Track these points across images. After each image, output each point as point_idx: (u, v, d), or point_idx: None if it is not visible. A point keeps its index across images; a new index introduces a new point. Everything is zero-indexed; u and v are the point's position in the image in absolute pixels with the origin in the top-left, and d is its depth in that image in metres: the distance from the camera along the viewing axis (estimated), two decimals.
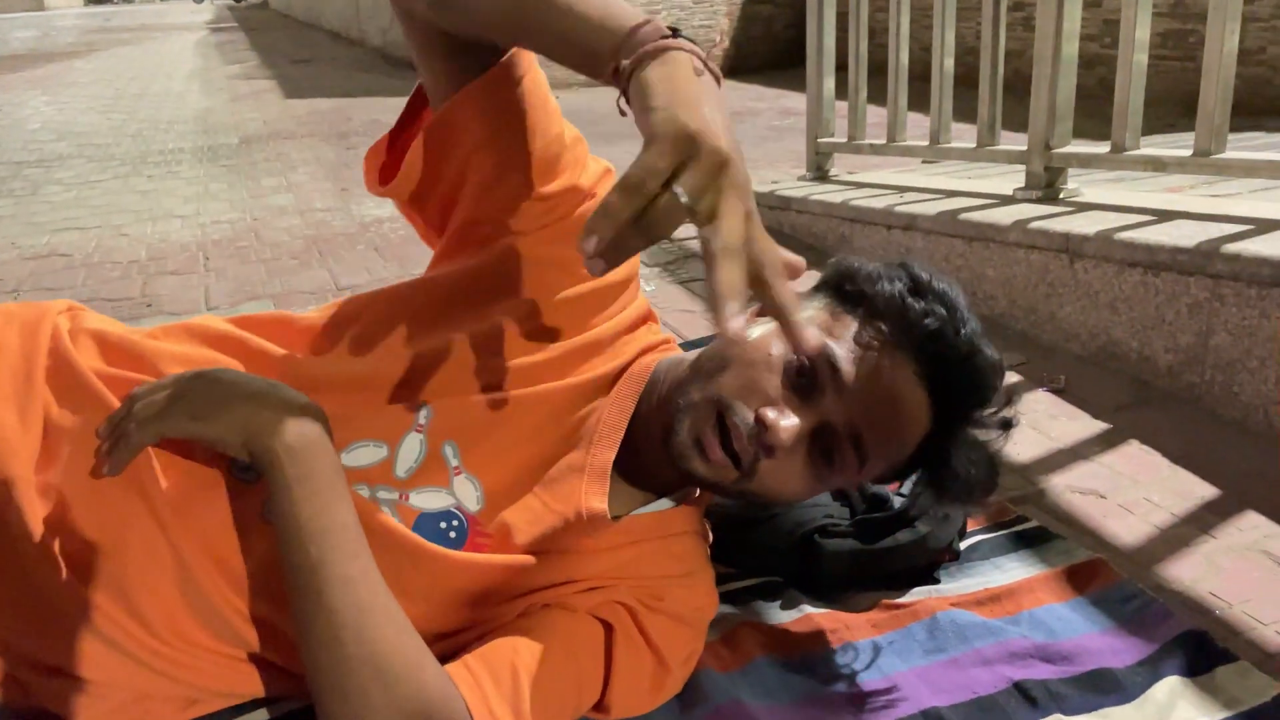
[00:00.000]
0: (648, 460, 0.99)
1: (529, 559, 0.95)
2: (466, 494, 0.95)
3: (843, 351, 0.91)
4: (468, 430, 0.95)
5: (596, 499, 0.95)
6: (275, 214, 3.55)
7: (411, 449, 0.95)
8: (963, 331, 0.92)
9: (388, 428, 0.95)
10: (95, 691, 0.90)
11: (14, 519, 0.88)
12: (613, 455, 0.97)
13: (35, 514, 0.88)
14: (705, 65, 0.75)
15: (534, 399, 0.97)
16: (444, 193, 1.03)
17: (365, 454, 0.94)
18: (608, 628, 0.97)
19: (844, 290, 0.97)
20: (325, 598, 0.81)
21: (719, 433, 0.90)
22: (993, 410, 0.97)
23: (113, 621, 0.88)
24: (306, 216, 3.51)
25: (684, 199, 0.66)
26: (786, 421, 0.89)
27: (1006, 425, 0.98)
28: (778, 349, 0.92)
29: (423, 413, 0.95)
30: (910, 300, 0.93)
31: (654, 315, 1.12)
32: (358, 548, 0.84)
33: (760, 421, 0.88)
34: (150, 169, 4.53)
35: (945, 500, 1.00)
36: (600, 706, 0.98)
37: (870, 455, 0.92)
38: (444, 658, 0.88)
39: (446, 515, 0.94)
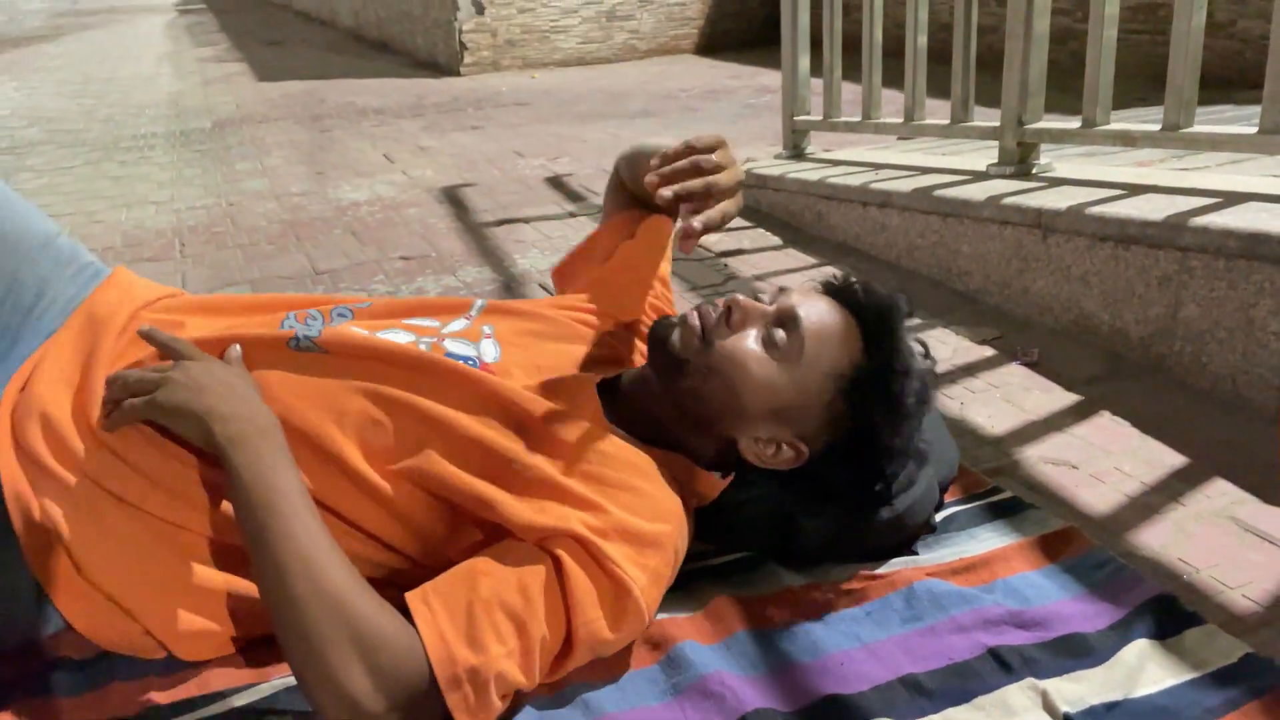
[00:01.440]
0: (646, 418, 1.17)
1: (527, 395, 1.11)
2: (487, 351, 1.18)
3: (790, 290, 1.19)
4: (503, 320, 1.25)
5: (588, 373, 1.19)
6: (251, 199, 3.53)
7: (458, 324, 1.22)
8: (869, 284, 1.20)
9: (448, 310, 1.26)
10: None
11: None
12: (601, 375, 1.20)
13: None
14: None
15: (564, 320, 1.28)
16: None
17: (423, 323, 1.21)
18: (556, 560, 1.00)
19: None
20: (273, 552, 0.94)
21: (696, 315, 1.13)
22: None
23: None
24: (282, 201, 3.49)
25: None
26: (743, 297, 1.14)
27: (926, 355, 1.20)
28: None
29: (477, 305, 1.27)
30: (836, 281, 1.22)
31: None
32: (298, 507, 0.98)
33: (728, 305, 1.13)
34: (122, 154, 4.49)
35: (887, 440, 1.15)
36: (566, 642, 1.01)
37: (807, 343, 1.10)
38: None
39: (467, 359, 1.15)
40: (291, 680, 1.05)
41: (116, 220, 3.28)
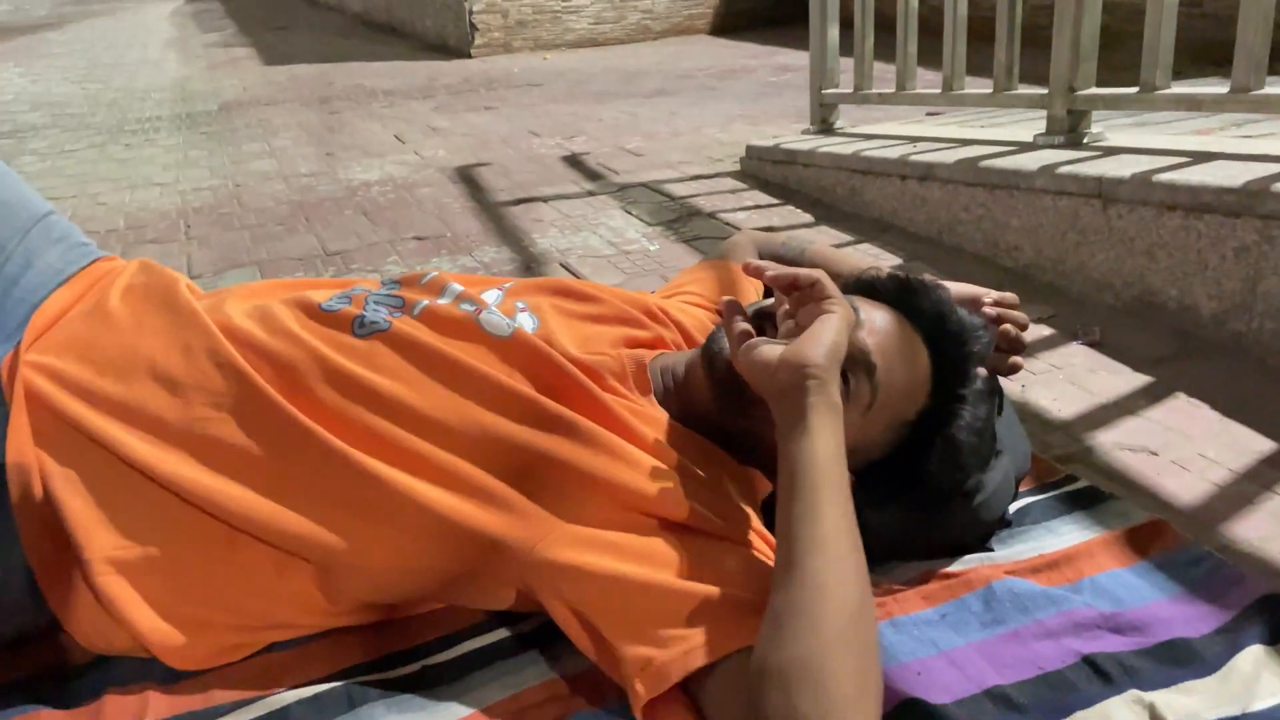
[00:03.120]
0: (689, 407, 1.08)
1: (570, 366, 1.03)
2: (525, 322, 1.12)
3: (865, 307, 1.03)
4: (534, 300, 1.18)
5: (641, 375, 1.10)
6: (258, 180, 3.42)
7: (492, 296, 1.17)
8: (960, 317, 1.06)
9: (482, 286, 1.20)
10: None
11: None
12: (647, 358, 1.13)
13: None
14: None
15: (603, 302, 1.20)
16: None
17: (458, 295, 1.12)
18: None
19: (859, 291, 1.11)
20: (827, 543, 0.84)
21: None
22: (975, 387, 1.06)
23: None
24: (291, 182, 3.38)
25: None
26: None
27: (993, 394, 1.12)
28: None
29: (509, 283, 1.22)
30: (914, 284, 1.08)
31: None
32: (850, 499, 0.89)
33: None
34: (127, 137, 4.38)
35: (937, 480, 1.07)
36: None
37: (880, 393, 0.98)
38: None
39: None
40: (307, 691, 0.95)
41: (120, 202, 3.17)
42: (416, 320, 1.07)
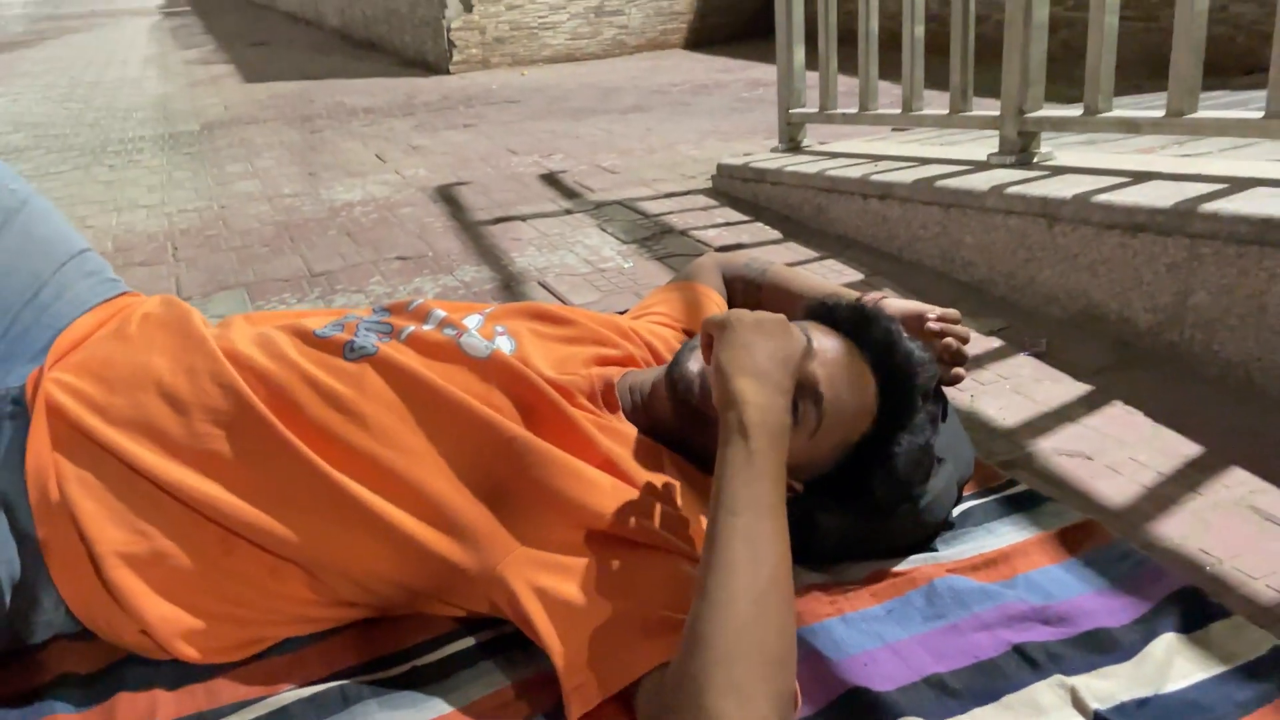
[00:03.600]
0: (656, 421, 1.18)
1: (543, 385, 1.12)
2: (503, 344, 1.20)
3: (818, 335, 1.13)
4: (512, 324, 1.27)
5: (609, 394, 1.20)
6: (243, 200, 3.50)
7: (473, 320, 1.25)
8: (907, 348, 1.15)
9: (465, 311, 1.29)
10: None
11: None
12: (616, 376, 1.22)
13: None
14: None
15: (577, 325, 1.30)
16: None
17: (441, 320, 1.22)
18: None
19: (814, 316, 1.21)
20: (759, 550, 0.91)
21: None
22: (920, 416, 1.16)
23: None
24: (275, 203, 3.45)
25: None
26: None
27: (934, 420, 1.20)
28: None
29: (490, 308, 1.31)
30: (868, 314, 1.18)
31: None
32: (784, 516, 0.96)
33: None
34: (111, 158, 4.44)
35: (879, 497, 1.17)
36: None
37: (826, 420, 1.09)
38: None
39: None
40: (305, 691, 1.04)
41: (107, 225, 3.24)
42: (403, 344, 1.17)
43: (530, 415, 1.11)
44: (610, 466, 1.09)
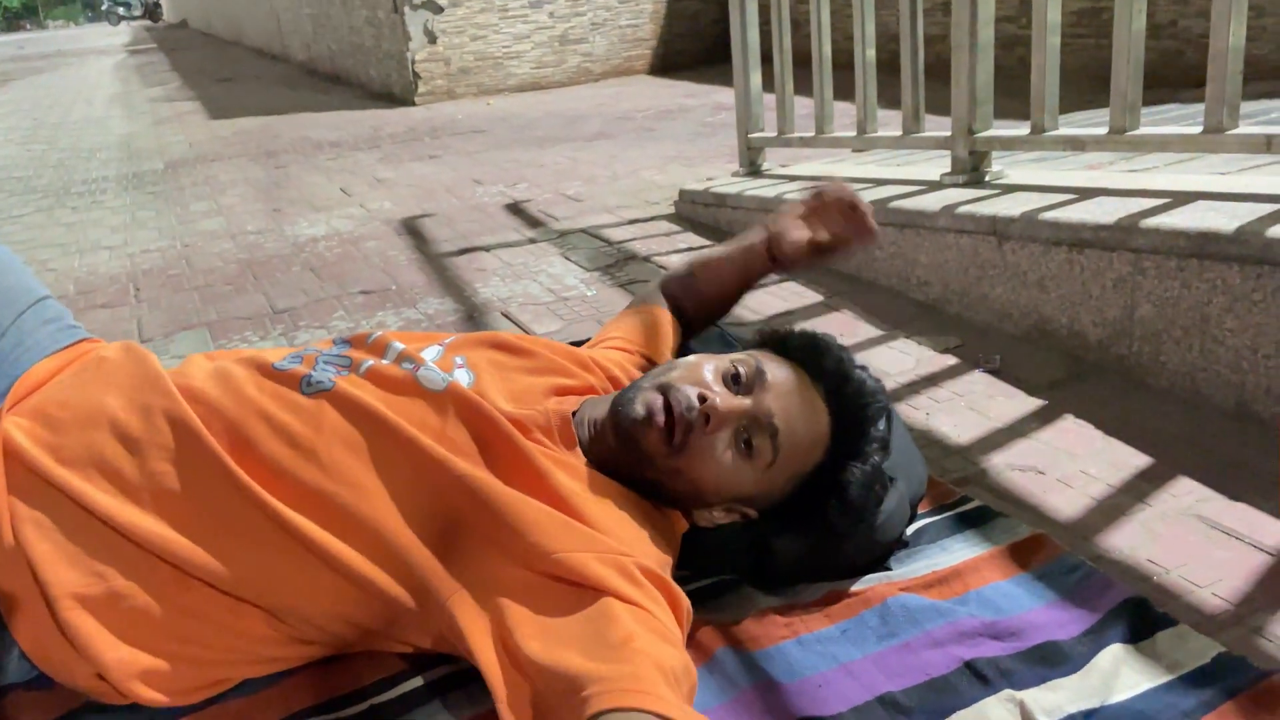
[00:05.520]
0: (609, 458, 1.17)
1: (499, 418, 1.11)
2: (461, 377, 1.19)
3: (771, 366, 1.14)
4: (472, 355, 1.25)
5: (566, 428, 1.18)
6: (206, 239, 3.50)
7: (432, 352, 1.24)
8: (860, 378, 1.18)
9: (424, 342, 1.27)
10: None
11: None
12: (573, 408, 1.20)
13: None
14: None
15: (537, 355, 1.28)
16: None
17: (399, 354, 1.20)
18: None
19: (767, 344, 1.23)
20: None
21: (665, 410, 1.09)
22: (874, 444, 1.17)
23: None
24: (239, 240, 3.46)
25: None
26: (731, 401, 1.10)
27: (885, 447, 1.19)
28: (710, 364, 1.14)
29: (450, 339, 1.29)
30: (820, 343, 1.20)
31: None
32: None
33: (702, 398, 1.09)
34: (74, 200, 4.43)
35: (834, 523, 1.18)
36: None
37: (781, 453, 1.10)
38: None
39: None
40: None
41: (69, 267, 3.23)
42: (362, 378, 1.17)
43: (486, 449, 1.12)
44: (561, 503, 1.09)
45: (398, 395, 1.15)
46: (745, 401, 1.11)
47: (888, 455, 1.21)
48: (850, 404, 1.16)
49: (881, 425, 1.18)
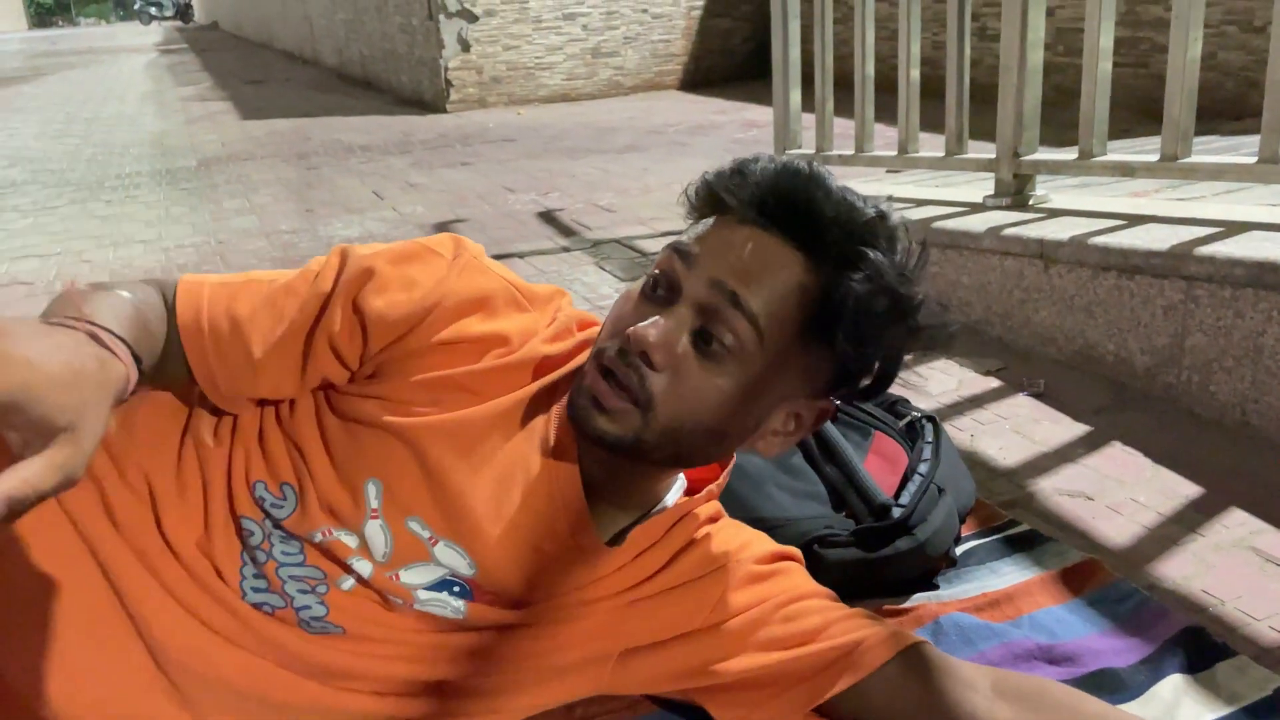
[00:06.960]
0: (620, 476, 0.93)
1: (540, 609, 0.95)
2: (453, 561, 0.90)
3: (687, 237, 0.87)
4: (421, 500, 0.89)
5: (585, 534, 0.93)
6: (240, 236, 3.51)
7: (377, 536, 0.89)
8: (795, 167, 0.88)
9: (347, 515, 0.89)
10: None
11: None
12: (577, 476, 0.92)
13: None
14: None
15: (476, 427, 0.90)
16: None
17: (342, 543, 0.89)
18: None
19: (694, 204, 0.92)
20: None
21: (608, 380, 0.84)
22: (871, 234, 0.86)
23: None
24: (272, 239, 3.47)
25: None
26: (644, 324, 0.83)
27: (892, 240, 0.86)
28: (627, 299, 0.88)
29: (372, 493, 0.89)
30: (738, 167, 0.89)
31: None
32: None
33: (626, 340, 0.83)
34: (108, 193, 4.46)
35: (846, 358, 0.86)
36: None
37: (753, 307, 0.83)
38: None
39: (445, 584, 0.91)
40: None
41: (104, 259, 3.25)
42: (351, 595, 0.91)
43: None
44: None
45: (420, 631, 0.93)
46: (680, 309, 0.84)
47: (911, 285, 0.85)
48: (793, 217, 0.85)
49: (879, 237, 0.86)
